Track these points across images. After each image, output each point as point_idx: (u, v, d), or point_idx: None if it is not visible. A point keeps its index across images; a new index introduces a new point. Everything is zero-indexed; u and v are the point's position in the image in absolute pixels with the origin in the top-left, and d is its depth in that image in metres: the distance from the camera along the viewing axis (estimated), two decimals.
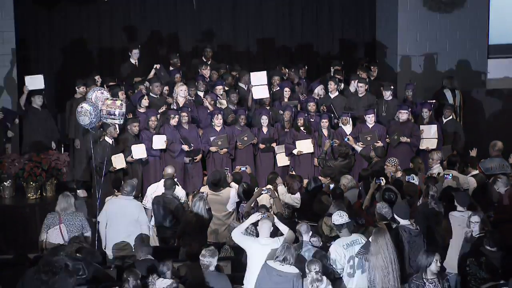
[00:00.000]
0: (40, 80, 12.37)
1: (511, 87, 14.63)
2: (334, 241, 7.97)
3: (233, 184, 10.32)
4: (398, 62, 14.80)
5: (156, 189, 10.34)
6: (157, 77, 13.01)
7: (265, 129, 12.26)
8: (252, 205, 9.51)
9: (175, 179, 10.51)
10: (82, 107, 10.51)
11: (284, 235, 8.00)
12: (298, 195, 9.89)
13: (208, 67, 13.54)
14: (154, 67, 13.28)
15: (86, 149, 11.75)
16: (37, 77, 12.41)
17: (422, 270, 7.32)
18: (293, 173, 11.39)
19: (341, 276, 7.72)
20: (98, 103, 10.55)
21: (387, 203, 8.70)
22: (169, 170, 10.47)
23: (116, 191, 10.02)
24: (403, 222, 8.21)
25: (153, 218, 10.20)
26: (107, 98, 11.08)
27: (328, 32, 15.92)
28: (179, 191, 10.38)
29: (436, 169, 10.80)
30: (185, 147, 11.74)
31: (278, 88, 13.18)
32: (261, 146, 12.13)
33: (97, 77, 12.96)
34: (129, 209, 9.29)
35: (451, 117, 12.75)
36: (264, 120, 12.21)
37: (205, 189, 10.13)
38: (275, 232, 8.23)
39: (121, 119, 11.29)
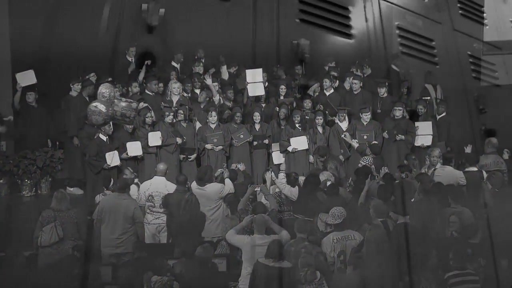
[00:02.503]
0: (31, 75, 12.31)
1: (505, 83, 14.66)
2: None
3: (227, 180, 10.31)
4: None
5: (149, 186, 10.29)
6: (153, 75, 13.00)
7: (257, 126, 12.27)
8: (247, 202, 9.55)
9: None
10: (96, 106, 10.43)
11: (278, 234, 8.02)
12: (296, 188, 9.91)
13: (201, 64, 13.53)
14: (145, 63, 13.29)
15: (81, 146, 11.74)
16: (28, 73, 12.35)
17: (419, 265, 7.34)
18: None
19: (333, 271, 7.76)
20: (108, 100, 10.49)
21: (382, 200, 8.72)
22: (161, 166, 10.44)
23: (105, 189, 10.00)
24: (402, 219, 8.24)
25: (147, 215, 10.20)
26: (122, 100, 11.06)
27: (323, 30, 15.95)
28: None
29: (439, 165, 10.74)
30: (178, 140, 11.74)
31: (267, 84, 13.21)
32: (254, 143, 12.13)
33: (92, 74, 12.94)
34: (123, 206, 9.28)
35: (444, 113, 12.78)
36: (256, 116, 12.21)
37: (193, 184, 10.14)
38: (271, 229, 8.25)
39: (133, 121, 11.30)
